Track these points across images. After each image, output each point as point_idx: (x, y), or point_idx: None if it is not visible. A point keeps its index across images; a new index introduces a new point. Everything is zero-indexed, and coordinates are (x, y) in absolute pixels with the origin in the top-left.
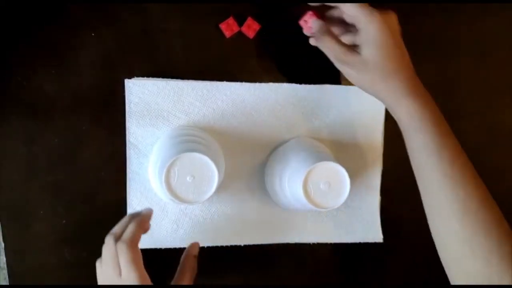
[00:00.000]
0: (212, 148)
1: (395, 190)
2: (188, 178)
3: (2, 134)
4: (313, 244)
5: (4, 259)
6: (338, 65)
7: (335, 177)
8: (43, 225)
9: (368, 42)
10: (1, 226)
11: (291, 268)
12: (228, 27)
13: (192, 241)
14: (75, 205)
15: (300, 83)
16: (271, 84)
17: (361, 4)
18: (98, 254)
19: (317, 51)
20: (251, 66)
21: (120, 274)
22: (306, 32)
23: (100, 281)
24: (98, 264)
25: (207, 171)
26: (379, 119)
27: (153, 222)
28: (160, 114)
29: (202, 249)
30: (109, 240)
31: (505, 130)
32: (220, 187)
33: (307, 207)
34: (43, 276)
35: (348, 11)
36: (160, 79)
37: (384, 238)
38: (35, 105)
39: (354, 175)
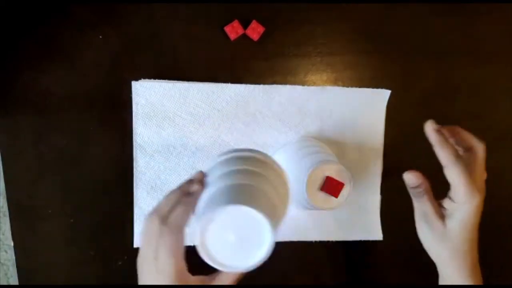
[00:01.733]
0: (274, 182)
1: (395, 189)
2: (229, 237)
3: (10, 134)
4: (314, 242)
5: (5, 255)
6: (419, 219)
7: (338, 177)
8: (51, 224)
9: (457, 218)
10: (10, 224)
11: (292, 265)
12: (233, 30)
13: (196, 239)
14: (82, 205)
15: (303, 85)
16: (274, 85)
17: (466, 175)
18: (106, 253)
19: (318, 55)
20: (255, 68)
21: (157, 258)
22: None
23: (139, 258)
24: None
25: (256, 227)
26: (380, 120)
27: None
28: (166, 115)
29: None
30: (154, 220)
31: (503, 132)
32: None
33: (310, 206)
34: (51, 274)
35: (451, 177)
36: (166, 81)
37: (384, 237)
38: (44, 106)
39: (355, 174)
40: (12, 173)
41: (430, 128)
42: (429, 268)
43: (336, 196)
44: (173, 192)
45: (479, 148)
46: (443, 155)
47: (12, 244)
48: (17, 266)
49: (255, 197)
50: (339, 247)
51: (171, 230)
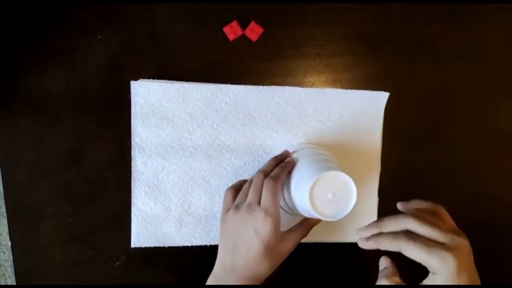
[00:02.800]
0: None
1: (393, 191)
2: (329, 195)
3: (10, 134)
4: (311, 243)
5: (3, 255)
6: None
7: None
8: (49, 224)
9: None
10: (9, 224)
11: (289, 267)
12: (232, 31)
13: (194, 239)
14: (81, 204)
15: (302, 86)
16: (273, 87)
17: (427, 245)
18: (104, 253)
19: (317, 56)
20: (254, 69)
21: (259, 202)
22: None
23: (233, 204)
24: (230, 190)
25: (347, 189)
26: (378, 122)
27: (157, 220)
28: (165, 115)
29: (205, 248)
30: (259, 175)
31: (501, 134)
32: (222, 186)
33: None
34: (49, 275)
35: (416, 258)
36: (165, 81)
37: None
38: (43, 106)
39: (352, 176)
40: (11, 173)
41: (362, 243)
42: (425, 272)
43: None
44: (270, 160)
45: (439, 208)
46: (394, 246)
47: (9, 244)
48: (14, 266)
49: (341, 168)
50: (337, 247)
51: (274, 179)
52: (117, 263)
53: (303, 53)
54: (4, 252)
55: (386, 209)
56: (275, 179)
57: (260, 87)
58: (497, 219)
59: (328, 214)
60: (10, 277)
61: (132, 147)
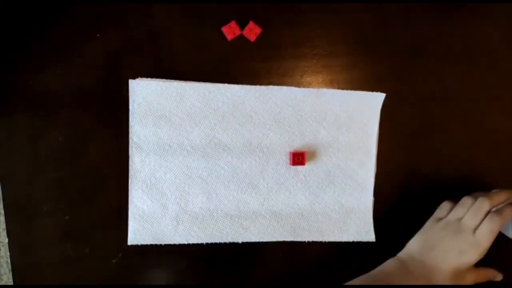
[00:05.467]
0: None
1: (388, 191)
2: None
3: (8, 131)
4: (307, 242)
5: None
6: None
7: None
8: (47, 220)
9: None
10: (6, 221)
11: (285, 266)
12: (230, 31)
13: (191, 237)
14: (78, 202)
15: (299, 86)
16: (270, 87)
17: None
18: (101, 250)
19: (314, 56)
20: (251, 69)
21: (475, 229)
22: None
23: (449, 217)
24: (448, 204)
25: None
26: (373, 122)
27: (153, 218)
28: (162, 114)
29: (201, 246)
30: (485, 201)
31: (498, 134)
32: (219, 185)
33: None
34: (46, 271)
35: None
36: (163, 80)
37: (377, 238)
38: (41, 103)
39: (348, 175)
40: (8, 170)
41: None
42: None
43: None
44: (502, 191)
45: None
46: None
47: (6, 241)
48: (11, 262)
49: None
50: (332, 246)
51: (500, 217)
52: (114, 261)
53: (301, 53)
54: None
55: (381, 209)
56: (502, 218)
57: (258, 87)
58: None
59: None
60: (5, 273)
61: (130, 145)
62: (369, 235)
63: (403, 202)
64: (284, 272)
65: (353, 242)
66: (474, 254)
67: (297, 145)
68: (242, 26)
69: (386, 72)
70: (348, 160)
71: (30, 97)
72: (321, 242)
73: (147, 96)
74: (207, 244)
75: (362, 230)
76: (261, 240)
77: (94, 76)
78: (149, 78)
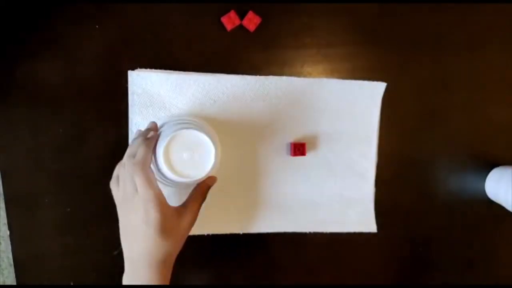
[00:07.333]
0: (209, 132)
1: (389, 181)
2: (185, 156)
3: (8, 123)
4: (309, 233)
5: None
6: None
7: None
8: (48, 213)
9: None
10: (7, 214)
11: (287, 257)
12: (230, 21)
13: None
14: (79, 194)
15: (299, 76)
16: (270, 77)
17: None
18: (102, 242)
19: (314, 46)
20: (251, 59)
21: (137, 191)
22: None
23: (119, 197)
24: (113, 184)
25: (205, 148)
26: (374, 112)
27: None
28: (162, 105)
29: (198, 237)
30: (127, 161)
31: (498, 123)
32: (218, 176)
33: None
34: (47, 263)
35: None
36: (163, 71)
37: (378, 228)
38: (41, 95)
39: (349, 166)
40: (9, 162)
41: None
42: (423, 261)
43: (305, 154)
44: (135, 139)
45: None
46: None
47: (6, 234)
48: (13, 255)
49: (201, 130)
50: (334, 237)
51: (139, 166)
52: (115, 252)
53: (301, 43)
54: (0, 243)
55: (383, 198)
56: (142, 162)
57: (258, 77)
58: (496, 216)
59: (186, 174)
60: (6, 268)
61: (130, 137)
62: (370, 226)
63: (404, 192)
64: (285, 263)
65: (355, 232)
66: (152, 211)
67: (298, 135)
68: (242, 16)
69: (386, 62)
70: (349, 150)
71: (30, 90)
72: (322, 233)
73: (146, 87)
74: (208, 235)
75: (364, 221)
76: (261, 231)
77: (93, 68)
78: (148, 69)
